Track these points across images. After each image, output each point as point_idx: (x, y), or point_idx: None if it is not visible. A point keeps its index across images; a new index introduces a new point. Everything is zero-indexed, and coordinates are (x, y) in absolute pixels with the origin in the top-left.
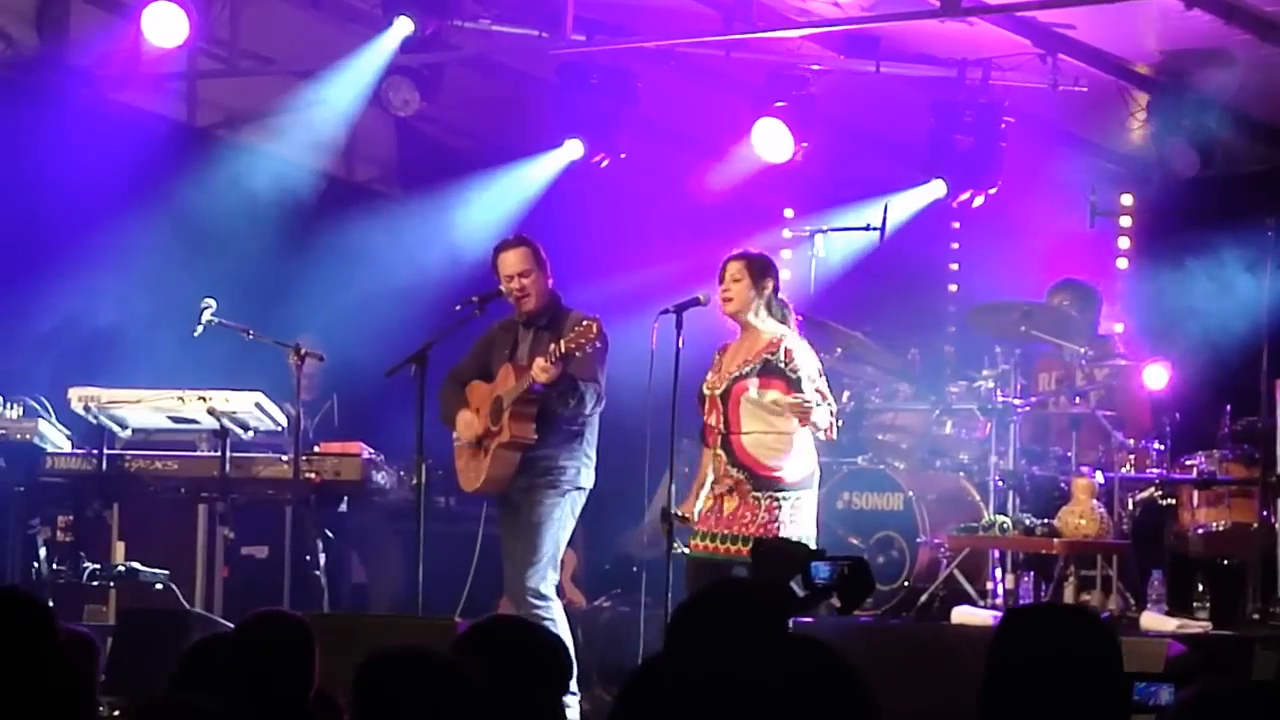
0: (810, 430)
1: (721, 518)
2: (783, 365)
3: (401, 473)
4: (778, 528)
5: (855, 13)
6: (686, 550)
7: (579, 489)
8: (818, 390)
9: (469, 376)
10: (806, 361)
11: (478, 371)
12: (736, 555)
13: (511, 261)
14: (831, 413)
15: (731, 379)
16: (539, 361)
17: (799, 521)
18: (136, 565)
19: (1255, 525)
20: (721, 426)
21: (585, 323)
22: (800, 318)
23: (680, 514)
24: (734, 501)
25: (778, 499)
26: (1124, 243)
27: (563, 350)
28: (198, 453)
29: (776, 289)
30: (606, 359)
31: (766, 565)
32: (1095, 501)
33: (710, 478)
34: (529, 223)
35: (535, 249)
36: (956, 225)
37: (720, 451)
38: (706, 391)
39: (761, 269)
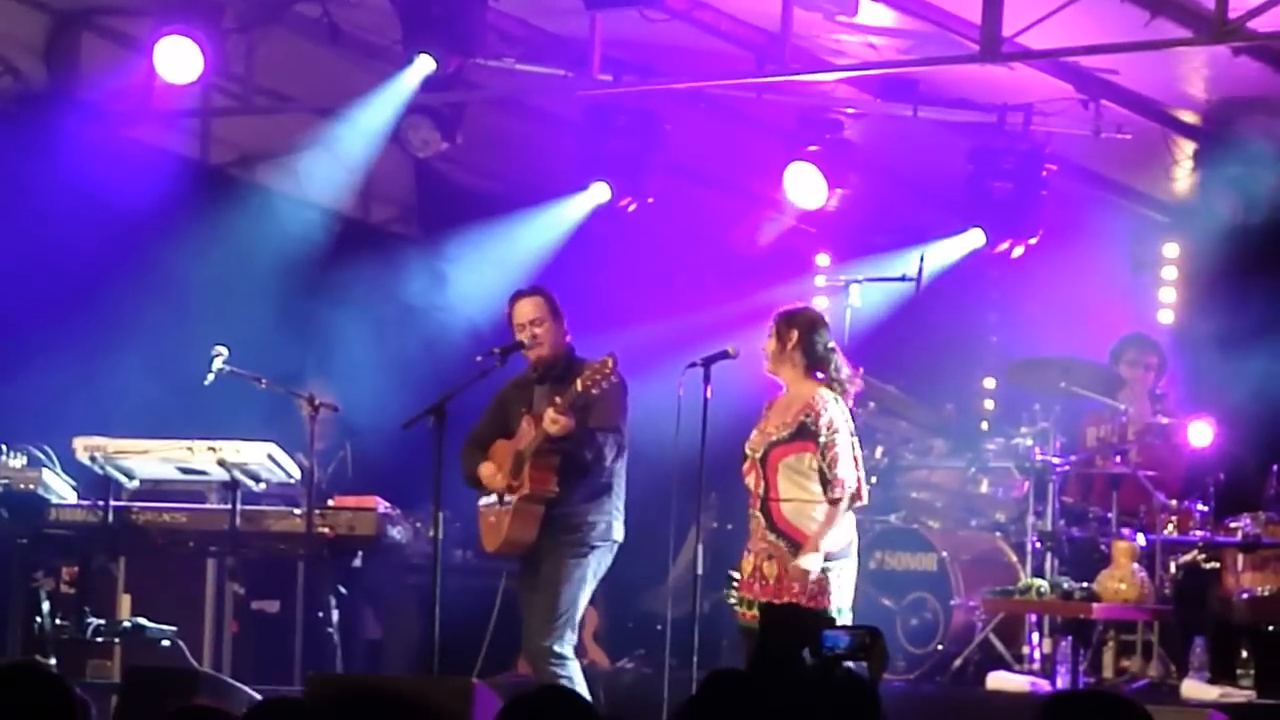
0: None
1: (767, 586)
2: (812, 427)
3: (417, 524)
4: (826, 598)
5: (892, 55)
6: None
7: (608, 543)
8: (832, 456)
9: (488, 439)
10: (829, 425)
11: (496, 433)
12: None
13: (525, 310)
14: (859, 482)
15: (769, 443)
16: (549, 413)
17: (842, 589)
18: (143, 621)
19: None
20: (760, 491)
21: (601, 359)
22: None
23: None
24: (774, 568)
25: (824, 568)
26: (1167, 295)
27: (579, 389)
28: (207, 505)
29: (806, 340)
30: (627, 406)
31: (775, 634)
32: (1136, 565)
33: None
34: (552, 268)
35: (550, 299)
36: (996, 276)
37: (759, 514)
38: (748, 452)
39: (787, 322)
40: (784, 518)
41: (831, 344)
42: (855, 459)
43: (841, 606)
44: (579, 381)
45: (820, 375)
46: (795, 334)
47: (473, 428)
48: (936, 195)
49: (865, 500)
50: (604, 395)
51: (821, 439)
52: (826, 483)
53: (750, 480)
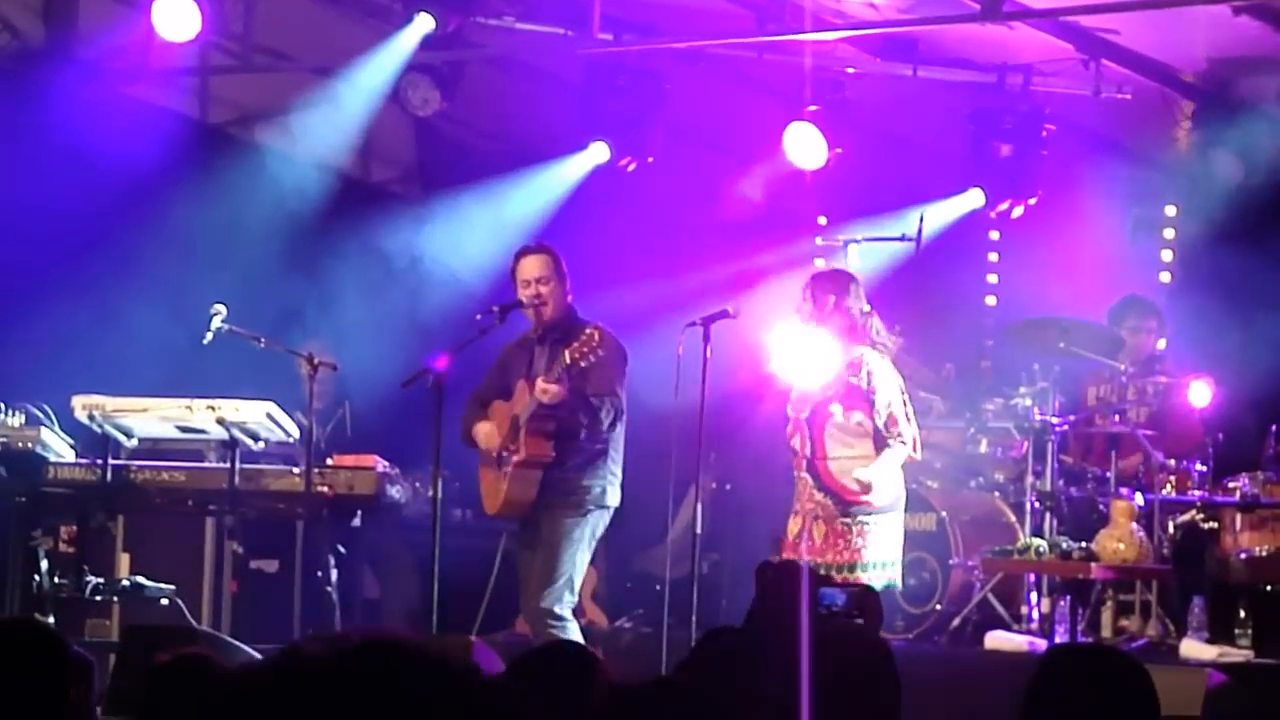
0: (901, 453)
1: (814, 546)
2: (864, 387)
3: (417, 484)
4: (864, 553)
5: (892, 14)
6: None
7: (603, 508)
8: (890, 415)
9: (490, 397)
10: (884, 384)
11: (497, 393)
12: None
13: (531, 267)
14: (914, 438)
15: (816, 403)
16: (539, 382)
17: (883, 543)
18: (141, 579)
19: None
20: (807, 451)
21: (587, 331)
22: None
23: None
24: (822, 528)
25: (865, 523)
26: (1166, 255)
27: (568, 362)
28: (206, 463)
29: (843, 303)
30: (625, 371)
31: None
32: (1134, 525)
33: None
34: (552, 228)
35: (556, 257)
36: (995, 236)
37: (805, 475)
38: (790, 413)
39: (821, 285)
40: (832, 476)
41: (866, 306)
42: (908, 415)
43: (883, 560)
44: (566, 353)
45: (861, 336)
46: (832, 298)
47: (477, 386)
48: (936, 155)
49: (920, 456)
50: (600, 362)
51: (877, 401)
52: (882, 440)
53: (796, 441)
